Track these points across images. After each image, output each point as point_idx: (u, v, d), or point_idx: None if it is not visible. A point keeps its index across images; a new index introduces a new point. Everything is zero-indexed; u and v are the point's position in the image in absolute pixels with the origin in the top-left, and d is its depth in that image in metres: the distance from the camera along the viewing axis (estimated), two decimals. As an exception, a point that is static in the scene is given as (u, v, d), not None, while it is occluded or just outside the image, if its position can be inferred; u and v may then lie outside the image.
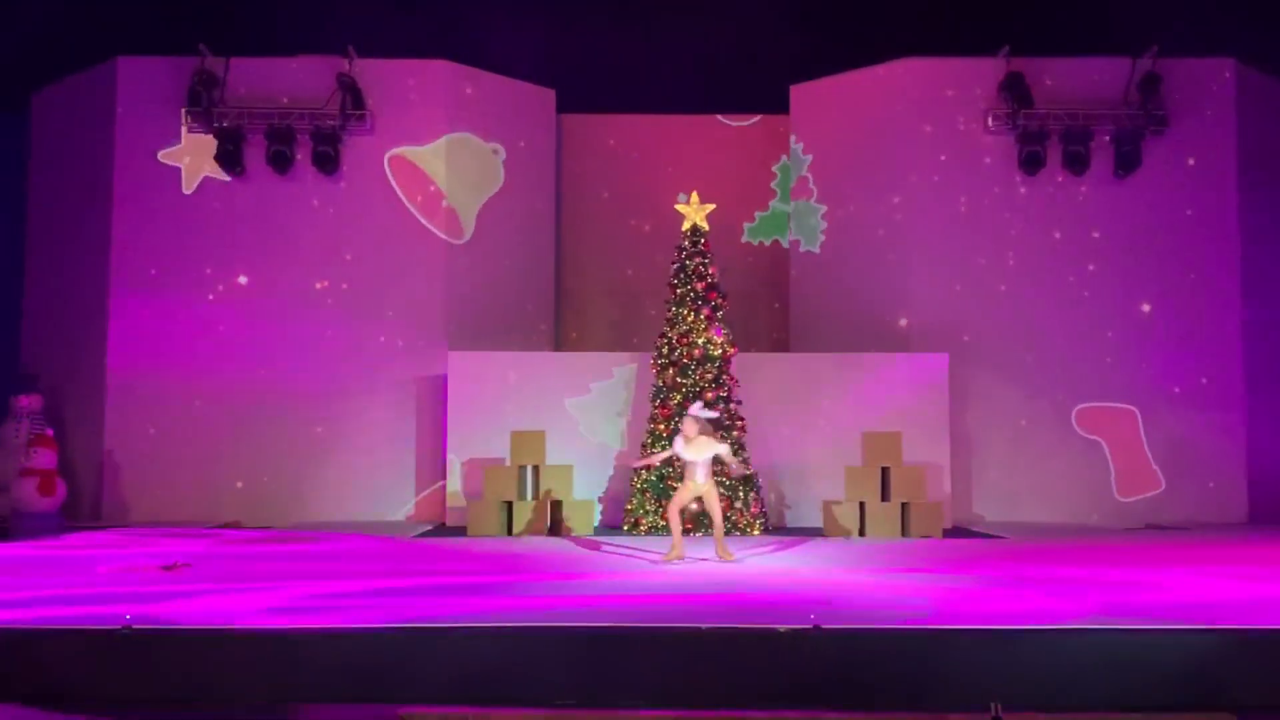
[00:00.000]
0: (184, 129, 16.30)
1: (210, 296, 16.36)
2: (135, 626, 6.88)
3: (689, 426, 11.23)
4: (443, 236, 16.59)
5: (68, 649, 6.80)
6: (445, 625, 7.19)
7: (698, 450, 11.17)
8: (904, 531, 13.70)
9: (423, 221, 16.56)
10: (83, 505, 16.09)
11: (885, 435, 14.17)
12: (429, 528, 14.97)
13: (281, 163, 16.17)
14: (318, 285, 16.41)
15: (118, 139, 16.39)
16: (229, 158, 16.19)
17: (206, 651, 6.82)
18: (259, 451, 16.12)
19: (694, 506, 11.99)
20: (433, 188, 16.61)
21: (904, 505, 13.80)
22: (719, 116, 18.69)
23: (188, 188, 16.34)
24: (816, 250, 17.33)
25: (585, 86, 17.90)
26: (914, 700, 6.59)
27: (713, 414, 12.03)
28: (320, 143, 16.18)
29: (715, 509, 11.27)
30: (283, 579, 9.42)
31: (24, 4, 15.74)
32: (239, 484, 16.07)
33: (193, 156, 16.38)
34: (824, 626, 6.89)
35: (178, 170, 16.42)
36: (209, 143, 16.25)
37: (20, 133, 17.70)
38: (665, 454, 12.01)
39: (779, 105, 17.94)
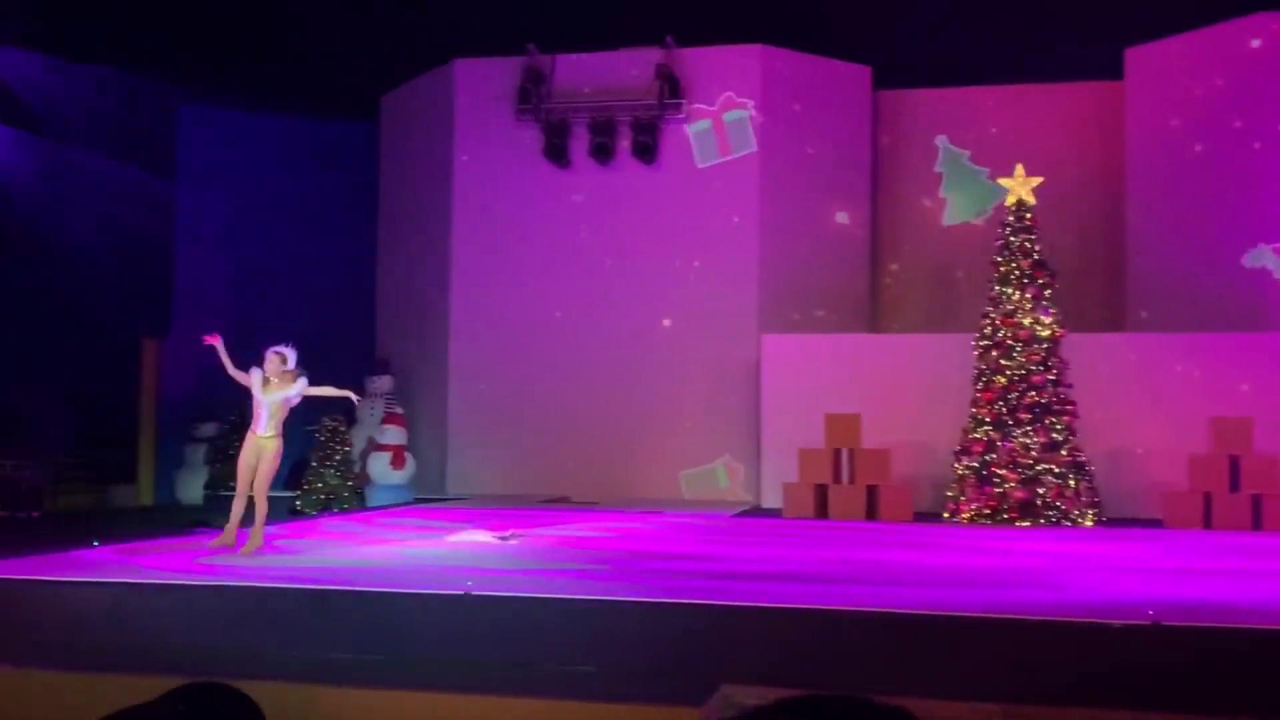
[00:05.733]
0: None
1: (542, 286, 17.17)
2: (475, 592, 7.36)
3: (272, 363, 9.26)
4: (756, 220, 16.69)
5: (415, 611, 7.35)
6: (765, 605, 7.24)
7: (271, 390, 9.23)
8: (1256, 524, 12.64)
9: (735, 209, 16.73)
10: (428, 478, 17.34)
11: (1235, 421, 13.12)
12: (745, 508, 15.15)
13: (603, 154, 16.74)
14: (642, 275, 16.90)
15: (457, 136, 17.48)
16: (556, 151, 16.91)
17: (539, 618, 7.18)
18: (587, 431, 16.79)
19: (1013, 490, 11.38)
20: (746, 171, 16.73)
21: (1255, 497, 12.73)
22: (1046, 85, 17.75)
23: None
24: (1157, 222, 16.19)
25: (902, 60, 17.43)
26: (1262, 707, 6.08)
27: (291, 352, 9.43)
28: (640, 133, 16.63)
29: (265, 480, 9.19)
30: (608, 552, 9.81)
31: (371, 17, 17.01)
32: (569, 461, 16.81)
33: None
34: (1163, 623, 6.48)
35: (512, 166, 17.27)
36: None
37: (372, 137, 19.22)
38: (332, 391, 9.59)
39: (1112, 71, 16.86)
